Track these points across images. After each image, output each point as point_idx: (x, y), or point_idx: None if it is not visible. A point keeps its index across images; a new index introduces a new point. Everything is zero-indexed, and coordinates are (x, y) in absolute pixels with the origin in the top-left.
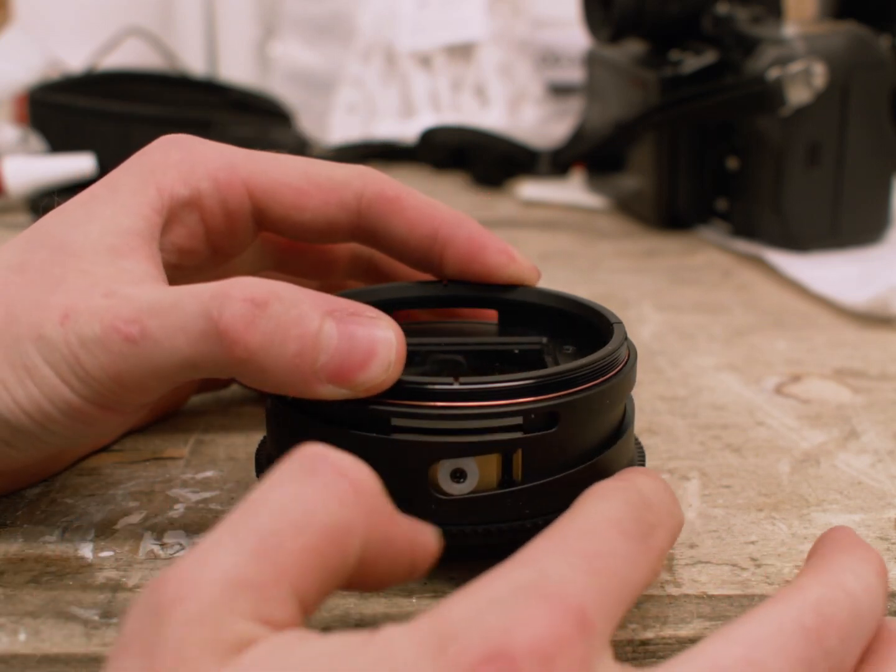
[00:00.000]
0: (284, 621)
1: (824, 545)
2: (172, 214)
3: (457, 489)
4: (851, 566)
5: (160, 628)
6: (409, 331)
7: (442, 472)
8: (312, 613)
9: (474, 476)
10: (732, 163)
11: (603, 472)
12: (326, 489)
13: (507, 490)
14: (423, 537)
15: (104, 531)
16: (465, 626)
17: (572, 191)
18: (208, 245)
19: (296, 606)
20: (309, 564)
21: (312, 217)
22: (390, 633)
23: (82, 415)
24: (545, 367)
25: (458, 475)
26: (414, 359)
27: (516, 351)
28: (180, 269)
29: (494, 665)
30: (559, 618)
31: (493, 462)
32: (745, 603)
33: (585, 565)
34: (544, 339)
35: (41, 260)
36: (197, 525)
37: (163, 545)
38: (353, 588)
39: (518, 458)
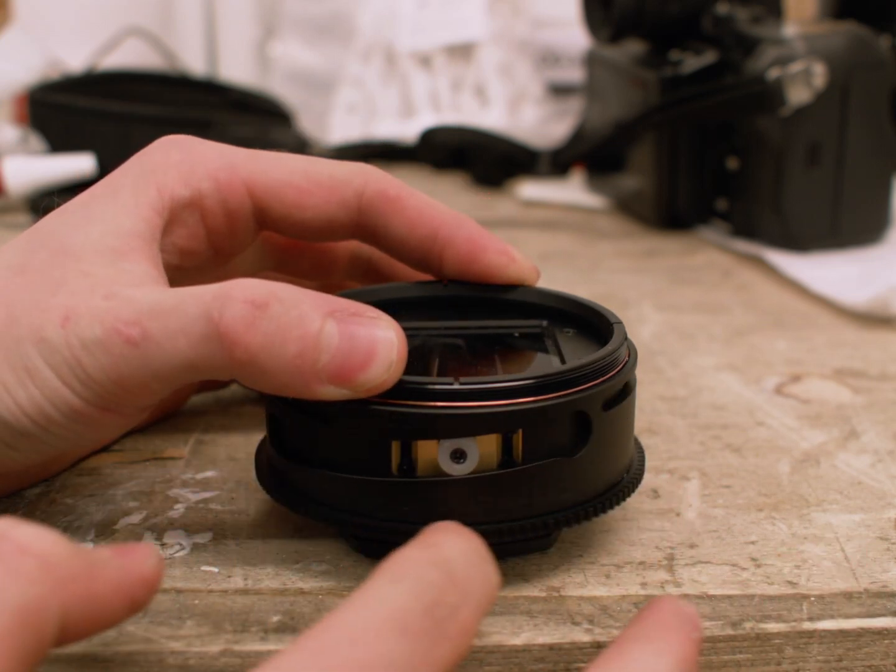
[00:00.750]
0: None
1: (633, 627)
2: (173, 215)
3: (457, 470)
4: (645, 661)
5: None
6: (409, 315)
7: (442, 453)
8: None
9: (474, 457)
10: (732, 163)
11: (602, 455)
12: (11, 570)
13: (506, 471)
14: (139, 570)
15: (104, 531)
16: None
17: (572, 191)
18: (209, 245)
19: None
20: (3, 650)
21: (313, 215)
22: None
23: (83, 417)
24: (546, 350)
25: (458, 455)
26: (414, 341)
27: (516, 334)
28: (181, 270)
29: None
30: None
31: (492, 443)
32: (745, 603)
33: None
34: (544, 323)
35: (41, 261)
36: (197, 525)
37: (163, 545)
38: (67, 643)
39: (518, 439)
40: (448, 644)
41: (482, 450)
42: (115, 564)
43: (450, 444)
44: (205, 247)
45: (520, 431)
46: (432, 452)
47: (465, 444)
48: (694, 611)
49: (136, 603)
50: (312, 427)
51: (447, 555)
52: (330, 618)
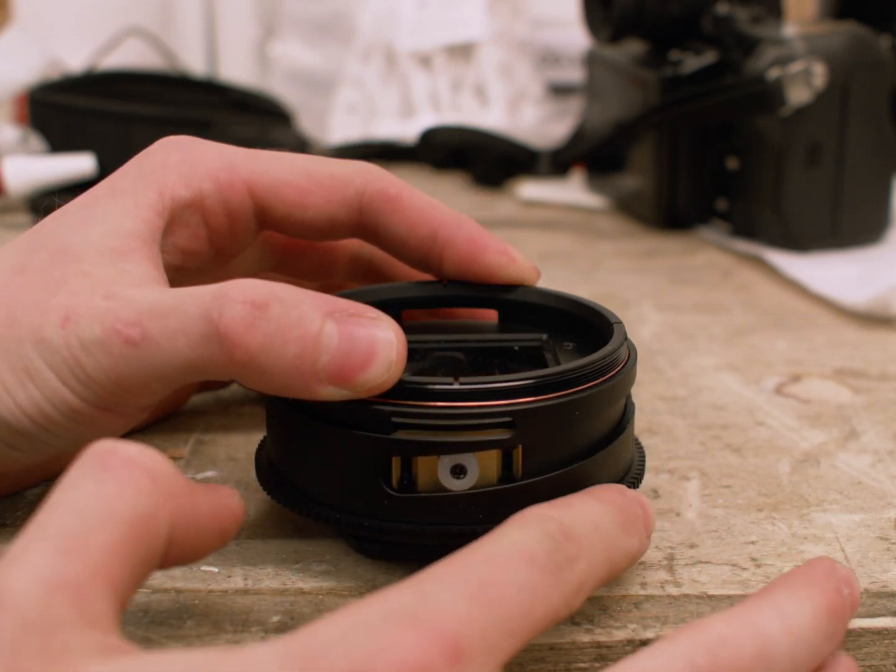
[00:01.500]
0: (106, 618)
1: (782, 577)
2: (174, 216)
3: (457, 485)
4: (784, 604)
5: None
6: (409, 328)
7: (442, 468)
8: (128, 602)
9: (474, 472)
10: (732, 163)
11: (602, 468)
12: (123, 482)
13: (506, 486)
14: (228, 502)
15: None
16: (331, 647)
17: (572, 191)
18: (210, 246)
19: (112, 600)
20: (119, 557)
21: (315, 215)
22: (256, 650)
23: (83, 417)
24: (545, 363)
25: (459, 471)
26: (414, 356)
27: (516, 348)
28: (182, 271)
29: None
30: (427, 645)
31: (493, 458)
32: None
33: (474, 593)
34: (544, 336)
35: (42, 261)
36: None
37: None
38: (168, 566)
39: (518, 454)
40: (564, 588)
41: (482, 465)
42: (210, 493)
43: (449, 460)
44: (206, 247)
45: (520, 447)
46: (432, 468)
47: (466, 459)
48: (850, 572)
49: (226, 533)
50: (314, 435)
51: (575, 515)
52: (464, 550)
